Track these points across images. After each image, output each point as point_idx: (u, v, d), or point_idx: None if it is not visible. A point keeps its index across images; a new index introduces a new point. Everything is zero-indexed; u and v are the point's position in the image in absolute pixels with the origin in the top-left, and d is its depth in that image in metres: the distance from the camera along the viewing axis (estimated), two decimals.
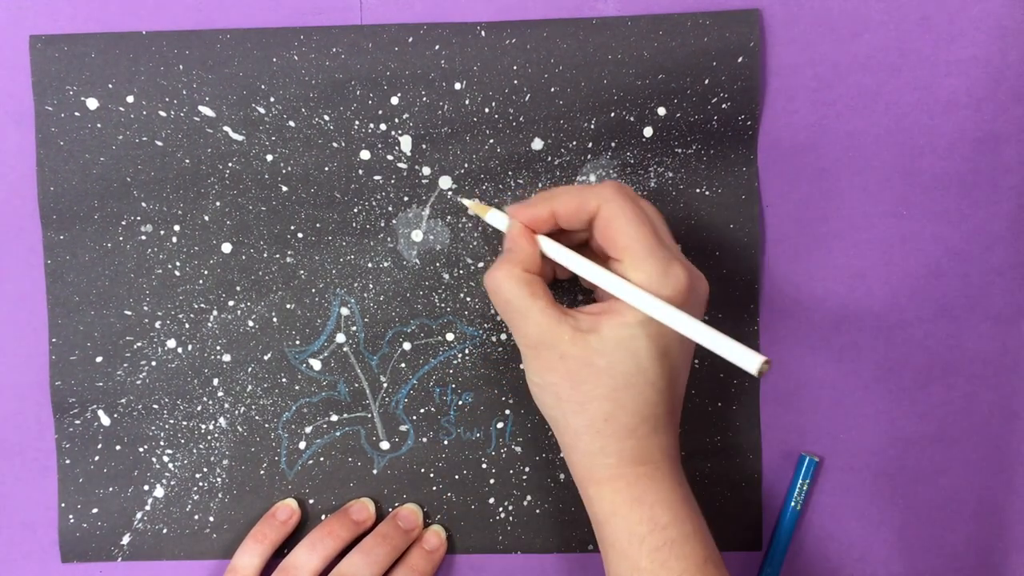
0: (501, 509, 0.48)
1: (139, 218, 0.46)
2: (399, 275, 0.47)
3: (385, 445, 0.48)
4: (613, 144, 0.46)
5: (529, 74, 0.45)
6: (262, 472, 0.47)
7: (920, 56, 0.46)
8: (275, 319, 0.47)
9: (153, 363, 0.47)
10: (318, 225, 0.46)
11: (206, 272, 0.47)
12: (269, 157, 0.46)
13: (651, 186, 0.46)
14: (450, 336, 0.47)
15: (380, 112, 0.46)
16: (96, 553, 0.48)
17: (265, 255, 0.47)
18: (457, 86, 0.45)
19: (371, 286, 0.47)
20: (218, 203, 0.46)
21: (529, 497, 0.48)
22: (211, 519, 0.48)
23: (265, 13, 0.46)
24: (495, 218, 0.43)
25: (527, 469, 0.48)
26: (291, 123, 0.46)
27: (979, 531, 0.48)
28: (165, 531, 0.48)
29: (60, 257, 0.46)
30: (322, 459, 0.48)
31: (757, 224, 0.46)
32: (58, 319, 0.47)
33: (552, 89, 0.45)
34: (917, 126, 0.46)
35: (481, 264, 0.47)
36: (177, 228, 0.46)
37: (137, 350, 0.47)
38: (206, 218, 0.46)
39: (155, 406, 0.47)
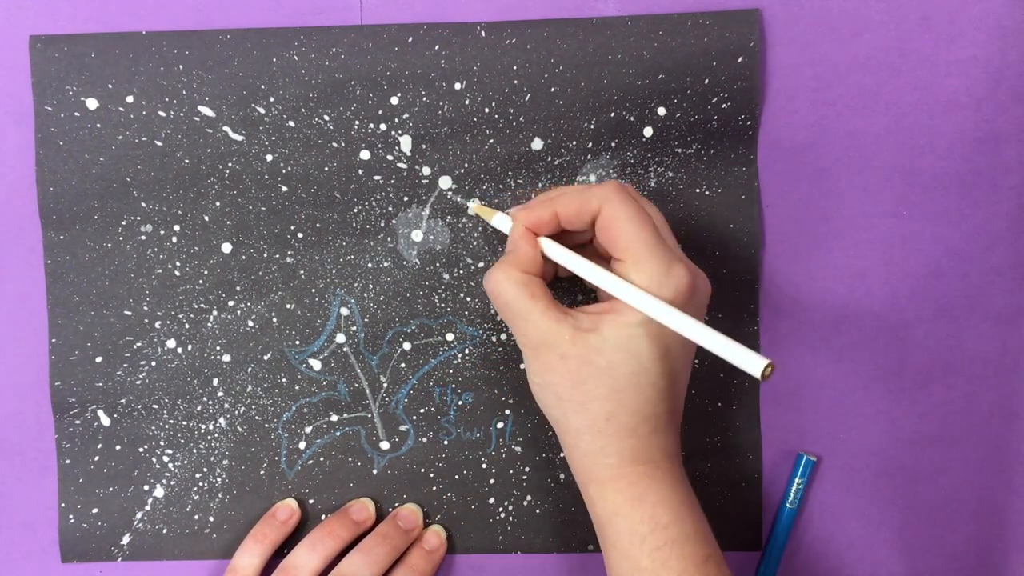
0: (501, 509, 0.48)
1: (139, 218, 0.46)
2: (399, 275, 0.47)
3: (385, 445, 0.48)
4: (613, 144, 0.46)
5: (529, 74, 0.45)
6: (262, 472, 0.47)
7: (920, 56, 0.46)
8: (275, 319, 0.47)
9: (153, 363, 0.47)
10: (318, 225, 0.46)
11: (206, 272, 0.47)
12: (269, 157, 0.46)
13: (651, 186, 0.46)
14: (450, 336, 0.47)
15: (380, 112, 0.46)
16: (96, 553, 0.48)
17: (265, 255, 0.47)
18: (457, 86, 0.45)
19: (371, 286, 0.47)
20: (218, 203, 0.46)
21: (529, 497, 0.48)
22: (211, 519, 0.48)
23: (265, 13, 0.46)
24: (500, 221, 0.43)
25: (527, 469, 0.48)
26: (291, 123, 0.46)
27: (979, 531, 0.48)
28: (165, 531, 0.48)
29: (60, 257, 0.46)
30: (322, 459, 0.48)
31: (757, 224, 0.46)
32: (58, 319, 0.47)
33: (552, 89, 0.45)
34: (917, 126, 0.46)
35: (481, 264, 0.47)
36: (177, 228, 0.46)
37: (137, 350, 0.47)
38: (206, 218, 0.46)
39: (155, 406, 0.47)
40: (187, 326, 0.47)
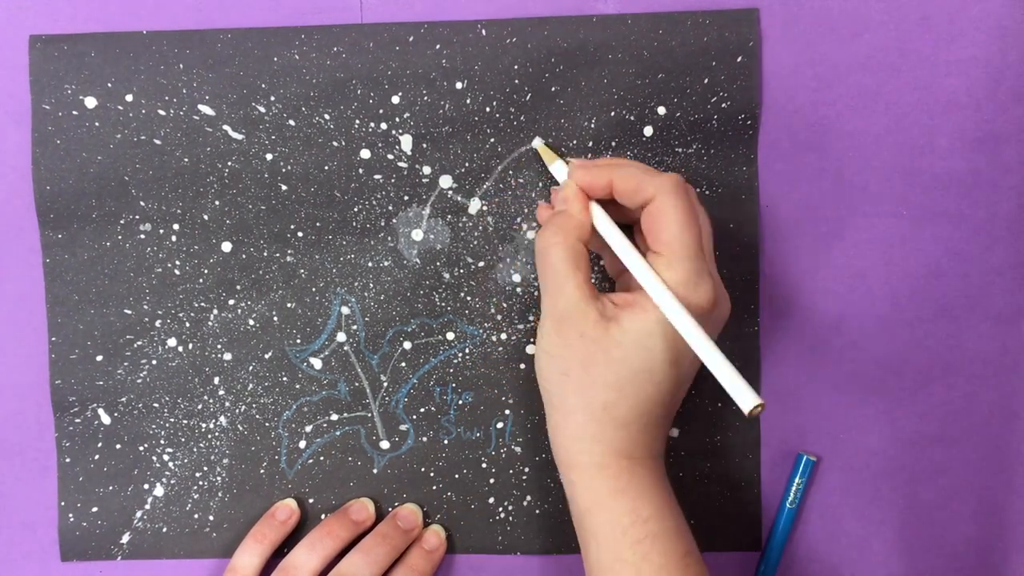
0: (501, 509, 0.48)
1: (137, 217, 0.46)
2: (399, 274, 0.47)
3: (385, 444, 0.48)
4: (613, 143, 0.46)
5: (529, 73, 0.45)
6: (262, 471, 0.47)
7: (920, 56, 0.46)
8: (275, 318, 0.47)
9: (153, 362, 0.47)
10: (318, 224, 0.46)
11: (206, 271, 0.47)
12: (269, 156, 0.46)
13: None
14: (450, 335, 0.47)
15: (380, 111, 0.46)
16: (96, 552, 0.48)
17: (265, 254, 0.47)
18: (458, 85, 0.45)
19: (371, 285, 0.47)
20: (218, 202, 0.46)
21: (529, 497, 0.48)
22: (211, 518, 0.48)
23: (265, 13, 0.46)
24: (558, 169, 0.44)
25: (527, 469, 0.48)
26: (291, 122, 0.46)
27: (979, 531, 0.48)
28: (165, 530, 0.48)
29: (59, 256, 0.46)
30: (322, 458, 0.48)
31: (757, 224, 0.46)
32: (57, 318, 0.47)
33: (552, 88, 0.45)
34: (917, 126, 0.46)
35: (481, 263, 0.47)
36: (176, 227, 0.46)
37: (137, 349, 0.47)
38: (206, 217, 0.46)
39: (155, 405, 0.47)
40: (188, 325, 0.47)
